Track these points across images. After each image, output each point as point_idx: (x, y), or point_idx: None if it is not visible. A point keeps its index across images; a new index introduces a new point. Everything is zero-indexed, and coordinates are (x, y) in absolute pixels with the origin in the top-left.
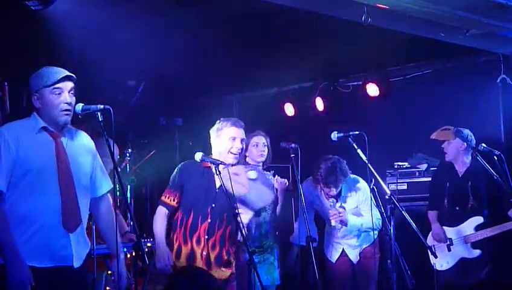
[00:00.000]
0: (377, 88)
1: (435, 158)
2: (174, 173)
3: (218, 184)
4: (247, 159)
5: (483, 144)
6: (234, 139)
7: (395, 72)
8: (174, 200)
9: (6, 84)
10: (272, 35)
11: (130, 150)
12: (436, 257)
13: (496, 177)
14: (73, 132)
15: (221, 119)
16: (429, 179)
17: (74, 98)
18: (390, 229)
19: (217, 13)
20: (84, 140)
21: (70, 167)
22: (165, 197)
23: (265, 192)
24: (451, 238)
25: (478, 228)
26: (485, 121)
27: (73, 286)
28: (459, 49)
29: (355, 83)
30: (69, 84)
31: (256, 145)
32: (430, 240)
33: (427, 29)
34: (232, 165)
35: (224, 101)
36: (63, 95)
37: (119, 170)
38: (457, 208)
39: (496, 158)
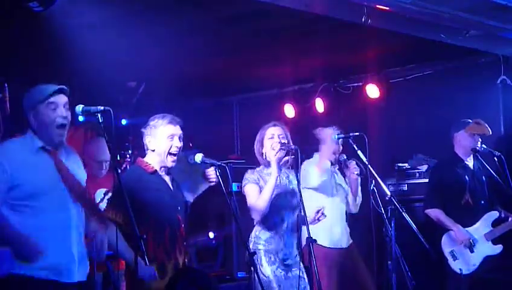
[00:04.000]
0: (377, 89)
1: (435, 159)
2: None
3: (170, 185)
4: (263, 156)
5: (484, 145)
6: (172, 137)
7: (395, 73)
8: (120, 218)
9: (6, 85)
10: (272, 37)
11: (130, 151)
12: (434, 258)
13: (495, 176)
14: (66, 146)
15: (156, 116)
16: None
17: (69, 112)
18: (391, 231)
19: (217, 14)
20: (75, 153)
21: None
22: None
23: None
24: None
25: (494, 223)
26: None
27: None
28: (459, 50)
29: (356, 84)
30: (63, 98)
31: (272, 138)
32: (447, 245)
33: (427, 30)
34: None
35: (224, 102)
36: (58, 110)
37: (119, 171)
38: (482, 202)
39: (496, 159)
